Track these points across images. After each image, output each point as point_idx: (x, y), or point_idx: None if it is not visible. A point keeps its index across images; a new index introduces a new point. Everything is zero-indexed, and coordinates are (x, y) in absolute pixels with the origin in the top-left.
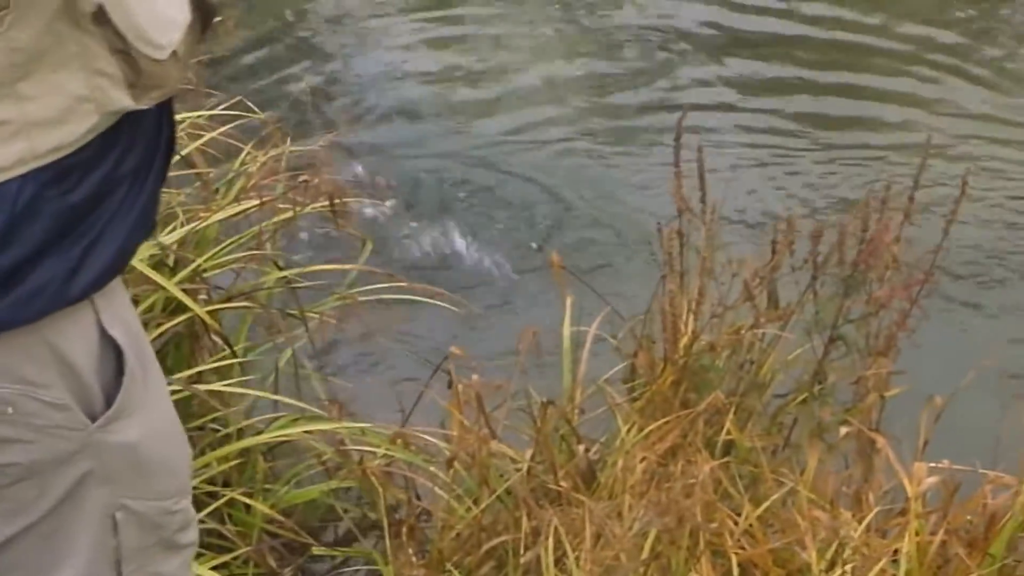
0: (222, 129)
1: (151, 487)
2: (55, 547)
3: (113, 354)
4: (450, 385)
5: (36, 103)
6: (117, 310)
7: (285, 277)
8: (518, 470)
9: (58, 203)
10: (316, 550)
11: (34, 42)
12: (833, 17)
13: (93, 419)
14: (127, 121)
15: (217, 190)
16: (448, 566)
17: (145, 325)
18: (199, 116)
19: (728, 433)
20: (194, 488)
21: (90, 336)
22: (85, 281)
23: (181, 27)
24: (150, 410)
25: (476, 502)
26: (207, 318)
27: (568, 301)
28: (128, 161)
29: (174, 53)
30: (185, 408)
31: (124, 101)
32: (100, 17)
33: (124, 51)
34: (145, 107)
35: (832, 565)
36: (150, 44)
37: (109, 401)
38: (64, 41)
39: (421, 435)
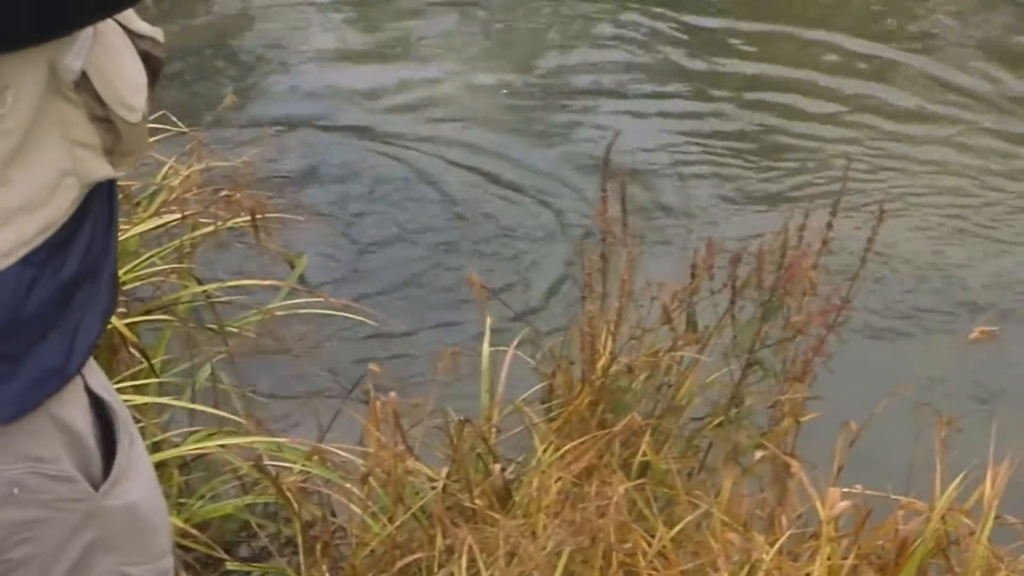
0: None
1: (148, 548)
2: None
3: (98, 416)
4: (368, 402)
5: (23, 186)
6: (95, 372)
7: (205, 291)
8: (434, 488)
9: (53, 282)
10: (230, 565)
11: (26, 122)
12: (763, 33)
13: (94, 485)
14: (92, 192)
15: (139, 203)
16: None
17: None
18: None
19: (644, 455)
20: None
21: (83, 402)
22: (80, 356)
23: (144, 87)
24: (141, 467)
25: (391, 519)
26: (125, 331)
27: (487, 321)
28: (98, 231)
29: (143, 114)
30: None
31: (104, 170)
32: (81, 84)
33: (102, 118)
34: (122, 174)
35: None
36: (127, 107)
37: (105, 464)
38: (47, 114)
39: (338, 451)
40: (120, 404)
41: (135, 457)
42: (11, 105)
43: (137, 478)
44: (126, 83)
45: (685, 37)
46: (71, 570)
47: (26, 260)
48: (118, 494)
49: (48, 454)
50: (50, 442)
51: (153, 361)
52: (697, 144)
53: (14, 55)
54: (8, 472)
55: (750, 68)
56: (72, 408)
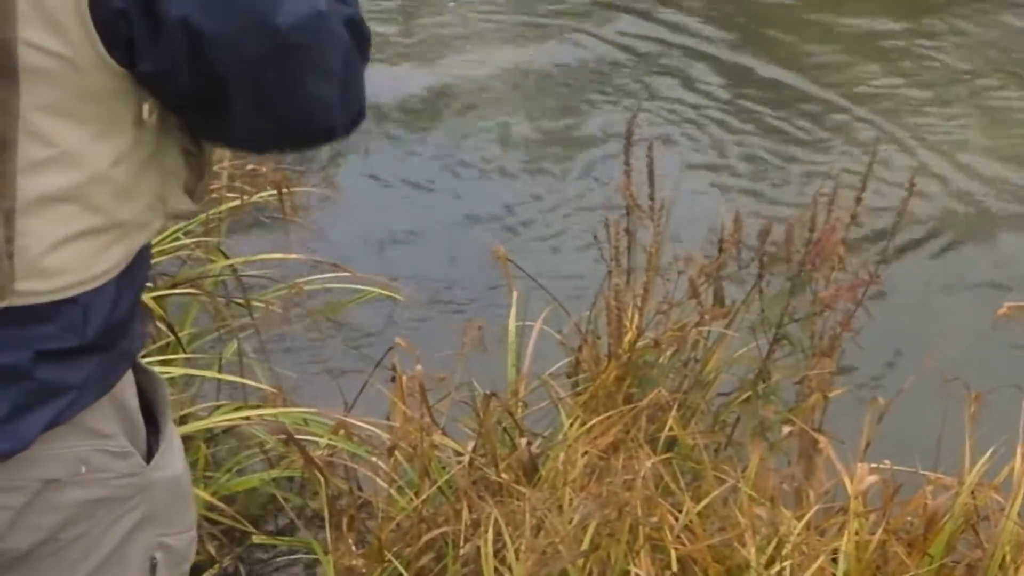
0: None
1: (185, 518)
2: None
3: (140, 389)
4: (394, 376)
5: (137, 204)
6: None
7: (231, 266)
8: (460, 462)
9: (131, 294)
10: (256, 538)
11: (154, 140)
12: (786, 15)
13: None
14: None
15: None
16: (388, 556)
17: None
18: None
19: (671, 430)
20: None
21: (131, 378)
22: (140, 339)
23: None
24: (176, 437)
25: (417, 493)
26: (152, 304)
27: (514, 294)
28: (149, 248)
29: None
30: None
31: (186, 203)
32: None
33: (191, 152)
34: (198, 207)
35: (771, 561)
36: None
37: (148, 439)
38: (159, 141)
39: (364, 425)
40: (158, 376)
41: (171, 429)
42: (150, 119)
43: (179, 448)
44: None
45: (712, 14)
46: (112, 550)
47: (120, 275)
48: (165, 465)
49: (107, 430)
50: (108, 418)
51: (180, 335)
52: (723, 118)
53: None
54: (79, 449)
55: (778, 40)
56: (124, 385)
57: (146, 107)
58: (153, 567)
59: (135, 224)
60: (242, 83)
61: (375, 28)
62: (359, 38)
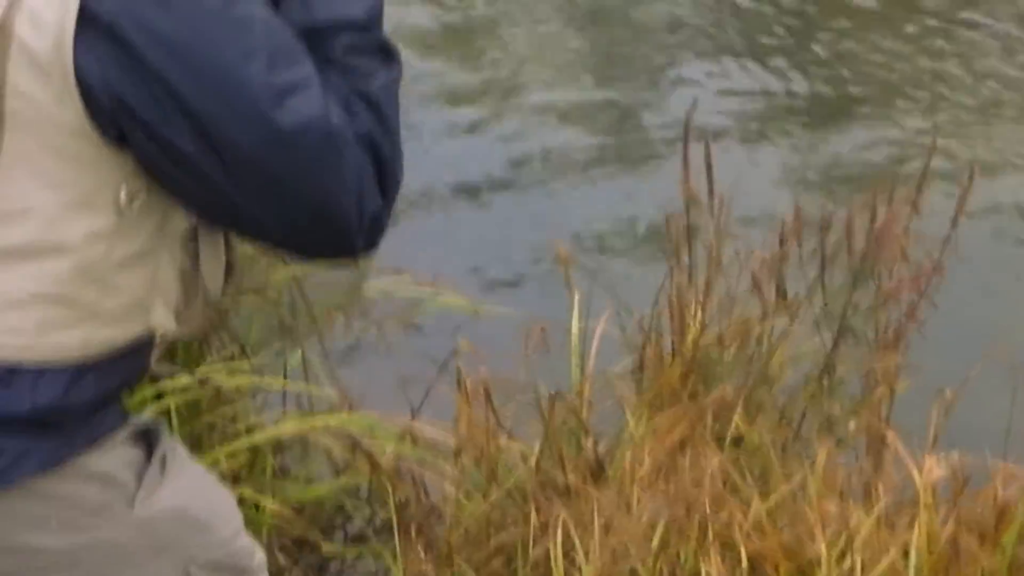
0: None
1: (212, 538)
2: None
3: (140, 437)
4: (458, 380)
5: (111, 297)
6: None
7: (293, 273)
8: (527, 464)
9: (100, 389)
10: (326, 547)
11: (145, 241)
12: (842, 9)
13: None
14: None
15: None
16: (457, 561)
17: None
18: None
19: (737, 427)
20: None
21: (117, 439)
22: (106, 427)
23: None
24: (179, 473)
25: (485, 497)
26: (215, 315)
27: (576, 295)
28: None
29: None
30: (194, 405)
31: (169, 322)
32: (189, 236)
33: (188, 275)
34: (183, 337)
35: (842, 556)
36: (216, 278)
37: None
38: (154, 249)
39: (430, 430)
40: (154, 422)
41: (172, 465)
42: (129, 207)
43: (173, 483)
44: (220, 263)
45: (767, 10)
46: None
47: (84, 364)
48: (157, 501)
49: (77, 494)
50: (84, 484)
51: (244, 344)
52: (782, 113)
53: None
54: (44, 509)
55: (834, 36)
56: (100, 452)
57: (124, 190)
58: None
59: (105, 315)
60: (240, 164)
61: (448, 71)
62: (375, 153)
